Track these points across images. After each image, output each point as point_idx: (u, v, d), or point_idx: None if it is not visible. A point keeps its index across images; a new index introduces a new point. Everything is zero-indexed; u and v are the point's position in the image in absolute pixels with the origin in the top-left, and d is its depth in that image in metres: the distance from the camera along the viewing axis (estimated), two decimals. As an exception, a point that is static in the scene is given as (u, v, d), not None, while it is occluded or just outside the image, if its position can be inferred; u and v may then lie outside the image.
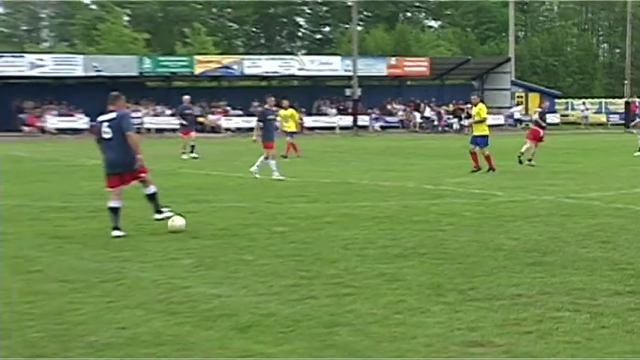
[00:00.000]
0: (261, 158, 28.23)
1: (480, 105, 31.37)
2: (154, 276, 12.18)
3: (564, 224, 16.92)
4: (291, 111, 40.66)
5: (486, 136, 30.20)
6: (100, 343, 8.84)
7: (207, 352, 8.51)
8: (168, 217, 16.39)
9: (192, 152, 39.41)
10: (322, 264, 12.91)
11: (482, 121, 30.42)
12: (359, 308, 10.17)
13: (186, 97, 41.57)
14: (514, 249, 14.14)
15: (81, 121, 70.68)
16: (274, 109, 31.05)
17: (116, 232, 15.88)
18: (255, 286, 11.43)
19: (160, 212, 16.66)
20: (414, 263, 12.93)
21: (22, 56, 78.24)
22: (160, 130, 73.04)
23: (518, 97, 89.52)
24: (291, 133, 39.77)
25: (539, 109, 37.07)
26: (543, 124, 34.62)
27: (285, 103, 39.56)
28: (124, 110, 17.09)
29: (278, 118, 35.48)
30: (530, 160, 32.60)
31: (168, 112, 73.76)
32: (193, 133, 40.73)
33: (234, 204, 20.91)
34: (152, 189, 16.67)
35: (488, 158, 29.69)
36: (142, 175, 16.61)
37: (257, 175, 27.84)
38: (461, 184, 25.03)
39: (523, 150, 33.16)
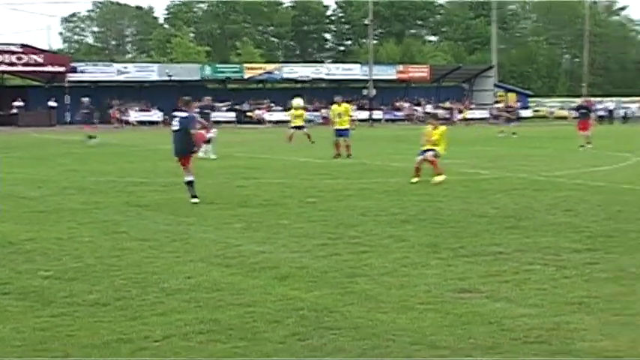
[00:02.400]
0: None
1: (345, 105, 30.65)
2: (213, 236, 12.19)
3: (535, 196, 16.82)
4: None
5: (347, 129, 29.54)
6: (171, 289, 8.87)
7: (254, 296, 8.51)
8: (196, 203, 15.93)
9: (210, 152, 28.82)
10: (344, 227, 12.89)
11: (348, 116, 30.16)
12: (373, 262, 10.15)
13: (207, 98, 34.15)
14: (495, 215, 14.07)
15: (156, 115, 71.26)
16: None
17: (193, 200, 15.96)
18: (291, 245, 11.42)
19: (193, 197, 16.18)
20: (416, 227, 12.90)
21: (111, 65, 78.89)
22: (217, 122, 73.08)
23: (499, 96, 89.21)
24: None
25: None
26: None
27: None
28: (193, 114, 17.16)
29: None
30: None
31: (224, 107, 73.82)
32: (212, 133, 29.05)
33: (275, 180, 20.90)
34: (190, 177, 16.48)
35: (348, 147, 29.12)
36: (188, 164, 16.57)
37: (213, 156, 27.91)
38: (453, 164, 24.93)
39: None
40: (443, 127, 20.83)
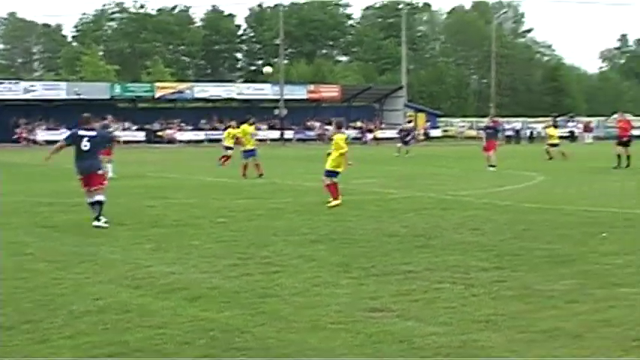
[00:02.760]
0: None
1: (244, 126, 30.45)
2: (122, 257, 12.04)
3: (444, 215, 17.03)
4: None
5: (253, 150, 29.51)
6: (79, 311, 8.71)
7: (164, 317, 8.43)
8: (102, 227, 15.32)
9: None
10: (255, 247, 12.86)
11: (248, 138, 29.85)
12: (284, 282, 10.14)
13: (109, 117, 33.66)
14: (405, 235, 14.20)
15: (65, 134, 69.78)
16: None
17: (98, 223, 15.51)
18: (201, 265, 11.35)
19: (97, 220, 15.53)
20: (327, 247, 12.93)
21: (18, 82, 77.26)
22: (127, 142, 72.46)
23: (409, 116, 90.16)
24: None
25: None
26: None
27: (233, 123, 33.33)
28: (102, 131, 16.90)
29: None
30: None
31: (134, 127, 73.28)
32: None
33: (186, 200, 20.75)
34: (101, 197, 16.05)
35: (245, 167, 29.16)
36: (103, 183, 16.30)
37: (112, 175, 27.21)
38: (364, 184, 25.10)
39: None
40: (339, 136, 19.81)
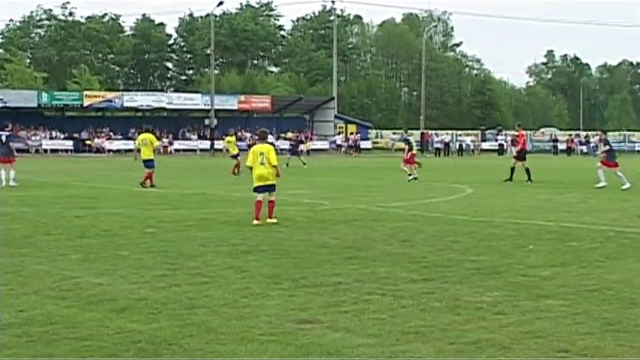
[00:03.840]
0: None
1: (145, 134, 30.37)
2: (48, 268, 11.85)
3: (374, 227, 17.11)
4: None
5: (152, 160, 29.19)
6: (3, 323, 8.54)
7: (90, 329, 8.31)
8: None
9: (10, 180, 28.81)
10: (184, 258, 12.77)
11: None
12: (213, 293, 10.08)
13: (17, 127, 33.13)
14: (336, 246, 14.22)
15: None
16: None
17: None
18: (130, 276, 11.23)
19: None
20: (257, 258, 12.90)
21: (-60, 90, 75.86)
22: (54, 151, 71.66)
23: (339, 127, 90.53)
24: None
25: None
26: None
27: (231, 131, 31.93)
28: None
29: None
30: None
31: (61, 135, 72.41)
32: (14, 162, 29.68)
33: (114, 210, 20.52)
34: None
35: (149, 177, 28.80)
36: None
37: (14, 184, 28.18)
38: (294, 195, 25.11)
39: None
40: (265, 146, 17.77)
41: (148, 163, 29.21)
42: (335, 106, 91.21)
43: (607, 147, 30.81)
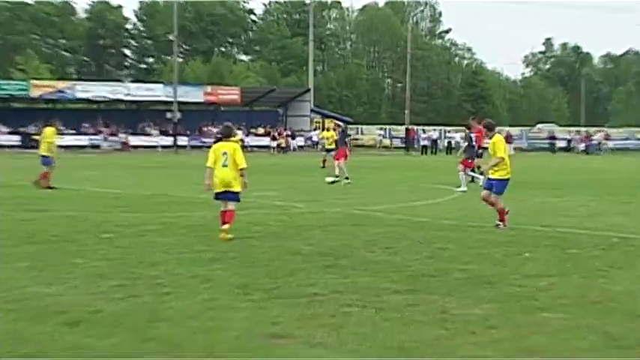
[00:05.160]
0: None
1: (47, 127, 30.16)
2: (-7, 277, 11.82)
3: (354, 232, 17.16)
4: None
5: (47, 157, 29.02)
6: (-58, 338, 8.52)
7: (39, 344, 8.30)
8: None
9: None
10: (144, 266, 12.76)
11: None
12: (177, 305, 10.09)
13: None
14: (311, 253, 14.25)
15: None
16: None
17: None
18: (84, 286, 11.22)
19: None
20: (225, 266, 12.91)
21: None
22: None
23: (316, 122, 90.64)
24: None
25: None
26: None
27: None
28: None
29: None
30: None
31: (6, 129, 72.11)
32: None
33: (67, 213, 20.47)
34: None
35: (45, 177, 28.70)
36: None
37: None
38: (266, 196, 25.14)
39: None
40: (231, 145, 16.61)
41: (45, 160, 29.05)
42: (311, 98, 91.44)
43: (466, 143, 31.14)
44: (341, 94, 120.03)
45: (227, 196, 16.28)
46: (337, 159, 33.90)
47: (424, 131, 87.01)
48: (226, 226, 16.01)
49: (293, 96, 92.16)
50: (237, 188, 16.28)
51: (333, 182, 32.35)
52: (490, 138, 19.13)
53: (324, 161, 41.91)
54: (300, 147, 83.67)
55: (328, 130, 40.19)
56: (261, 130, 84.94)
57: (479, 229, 17.99)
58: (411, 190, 29.40)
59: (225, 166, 16.18)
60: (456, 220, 19.70)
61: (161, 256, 13.84)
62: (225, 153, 16.22)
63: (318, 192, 28.32)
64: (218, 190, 16.35)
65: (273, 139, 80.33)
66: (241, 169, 16.21)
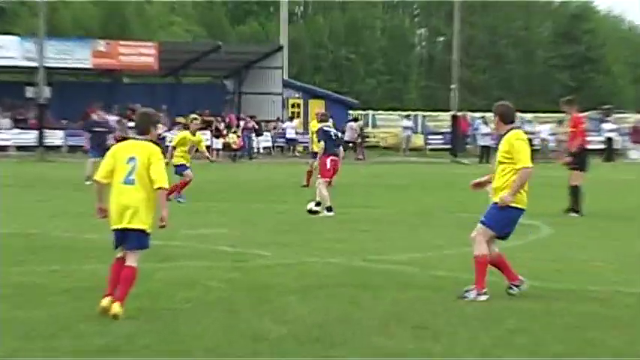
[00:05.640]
0: None
1: None
2: None
3: (360, 301, 17.18)
4: None
5: None
6: None
7: None
8: None
9: None
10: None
11: None
12: None
13: None
14: (284, 338, 14.26)
15: None
16: None
17: None
18: None
19: None
20: (127, 363, 12.92)
21: None
22: None
23: (293, 105, 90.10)
24: None
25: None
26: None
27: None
28: None
29: None
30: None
31: None
32: None
33: None
34: None
35: None
36: None
37: None
38: (204, 237, 25.20)
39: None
40: (119, 145, 16.40)
41: None
42: (284, 64, 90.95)
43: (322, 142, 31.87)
44: (337, 56, 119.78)
45: (129, 237, 15.81)
46: (322, 175, 33.54)
47: (486, 122, 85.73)
48: (116, 305, 15.49)
49: (253, 59, 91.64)
50: (144, 224, 15.83)
51: (315, 212, 32.37)
52: (504, 134, 18.20)
53: (309, 174, 41.82)
54: (267, 149, 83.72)
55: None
56: (195, 120, 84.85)
57: (581, 294, 18.06)
58: (460, 226, 29.38)
59: (128, 182, 15.62)
60: (543, 279, 19.69)
61: (16, 345, 13.77)
62: (132, 159, 15.66)
63: (296, 229, 28.33)
64: (115, 226, 15.88)
65: (217, 134, 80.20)
66: (159, 189, 15.74)
